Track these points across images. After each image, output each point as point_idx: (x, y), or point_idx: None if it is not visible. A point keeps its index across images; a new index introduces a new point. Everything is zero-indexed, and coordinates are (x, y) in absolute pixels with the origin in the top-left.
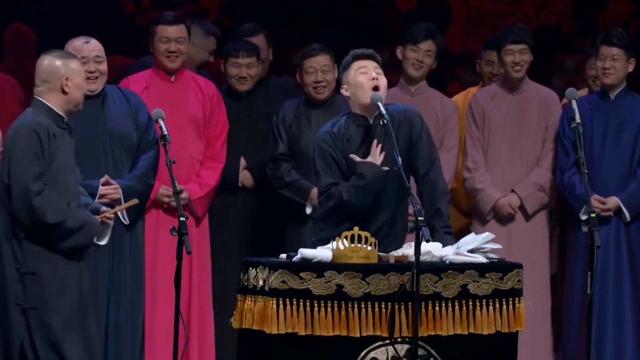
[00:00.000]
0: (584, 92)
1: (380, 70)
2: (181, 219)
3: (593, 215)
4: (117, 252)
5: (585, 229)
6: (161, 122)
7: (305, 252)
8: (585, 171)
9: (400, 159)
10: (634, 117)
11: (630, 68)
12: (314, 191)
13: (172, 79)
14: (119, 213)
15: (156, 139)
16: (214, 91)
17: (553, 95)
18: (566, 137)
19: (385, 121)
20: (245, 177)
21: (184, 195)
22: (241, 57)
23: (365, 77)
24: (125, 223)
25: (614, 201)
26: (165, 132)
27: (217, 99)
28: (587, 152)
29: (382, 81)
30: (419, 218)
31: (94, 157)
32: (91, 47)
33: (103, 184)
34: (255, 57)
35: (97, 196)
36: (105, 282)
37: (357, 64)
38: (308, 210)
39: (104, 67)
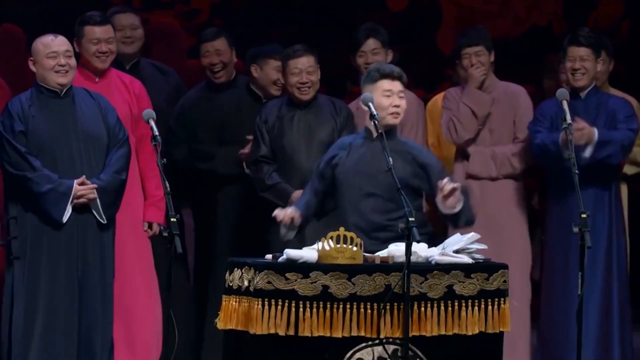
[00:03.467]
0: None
1: (404, 93)
2: (172, 219)
3: (584, 215)
4: (90, 252)
5: (576, 229)
6: (152, 123)
7: (290, 252)
8: (577, 172)
9: (391, 160)
10: (605, 114)
11: (599, 67)
12: (295, 194)
13: (97, 79)
14: (94, 211)
15: (126, 137)
16: (141, 89)
17: (519, 90)
18: (543, 117)
19: (376, 122)
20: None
21: (154, 229)
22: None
23: (387, 100)
24: (103, 222)
25: (589, 130)
26: (156, 133)
27: (145, 96)
28: None
29: (403, 105)
30: (410, 219)
31: (67, 156)
32: (60, 41)
33: (79, 184)
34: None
35: (72, 196)
36: (74, 281)
37: (382, 84)
38: None
39: (73, 61)
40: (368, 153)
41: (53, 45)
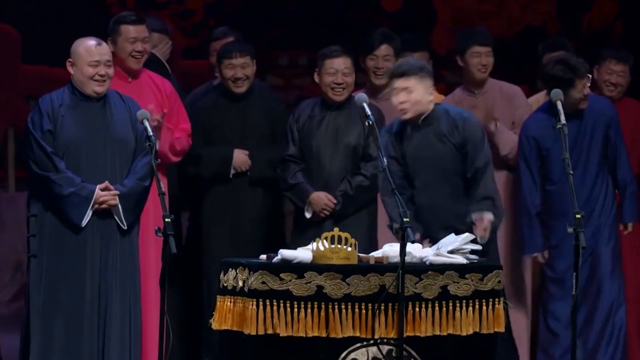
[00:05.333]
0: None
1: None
2: (166, 220)
3: (578, 216)
4: (110, 257)
5: (570, 229)
6: (146, 123)
7: (285, 252)
8: (571, 172)
9: (385, 160)
10: (602, 120)
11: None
12: (314, 195)
13: (130, 80)
14: (116, 217)
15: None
16: (171, 89)
17: (516, 90)
18: (531, 159)
19: (370, 122)
20: (238, 160)
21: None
22: (234, 58)
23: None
24: (124, 228)
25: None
26: (151, 133)
27: (175, 96)
28: (555, 158)
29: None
30: (404, 219)
31: (93, 159)
32: (103, 50)
33: (102, 190)
34: (249, 57)
35: (93, 201)
36: (95, 287)
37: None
38: (307, 215)
39: (112, 70)
40: (423, 141)
41: (96, 54)
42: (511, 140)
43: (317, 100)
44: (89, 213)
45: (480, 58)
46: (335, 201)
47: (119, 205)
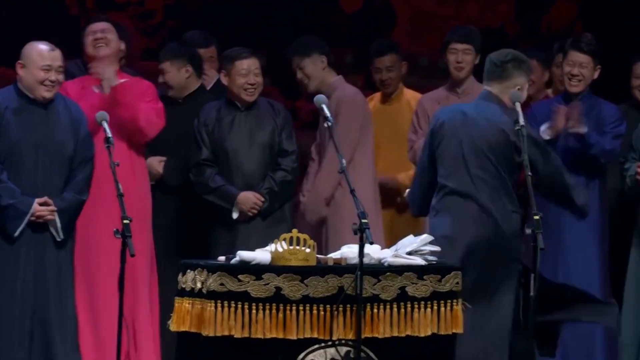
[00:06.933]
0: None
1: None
2: (124, 221)
3: (536, 217)
4: (45, 267)
5: (528, 230)
6: (105, 125)
7: (243, 254)
8: (529, 174)
9: (344, 161)
10: (594, 120)
11: (596, 75)
12: (241, 196)
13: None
14: (52, 229)
15: (92, 155)
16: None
17: None
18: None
19: (329, 124)
20: (151, 166)
21: None
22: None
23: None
24: (59, 239)
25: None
26: (109, 135)
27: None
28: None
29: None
30: (363, 220)
31: (32, 165)
32: (56, 55)
33: (40, 204)
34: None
35: (30, 214)
36: (29, 295)
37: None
38: (234, 215)
39: (62, 77)
40: None
41: (48, 59)
42: None
43: (221, 103)
44: (24, 225)
45: (456, 55)
46: (262, 199)
47: (57, 220)
